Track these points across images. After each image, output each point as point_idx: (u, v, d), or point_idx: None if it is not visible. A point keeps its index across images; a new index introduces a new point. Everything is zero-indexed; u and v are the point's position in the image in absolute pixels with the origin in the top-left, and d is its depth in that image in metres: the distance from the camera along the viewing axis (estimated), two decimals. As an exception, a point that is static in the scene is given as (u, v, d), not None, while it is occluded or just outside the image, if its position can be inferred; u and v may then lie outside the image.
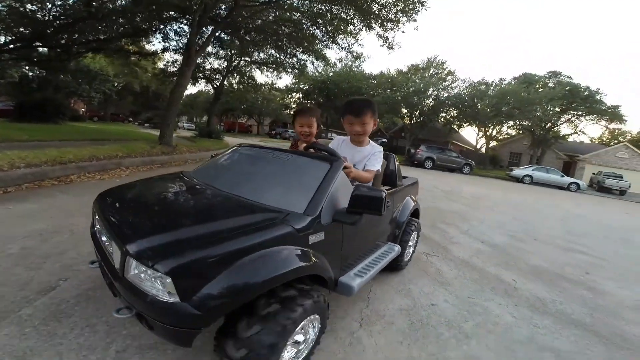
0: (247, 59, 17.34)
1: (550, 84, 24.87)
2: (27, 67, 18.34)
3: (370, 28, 10.40)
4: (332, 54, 35.77)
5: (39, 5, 9.58)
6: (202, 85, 22.90)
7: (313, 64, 15.58)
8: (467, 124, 24.86)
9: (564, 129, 26.80)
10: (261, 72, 18.82)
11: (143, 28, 11.73)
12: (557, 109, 23.39)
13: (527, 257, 3.74)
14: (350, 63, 23.04)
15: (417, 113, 24.31)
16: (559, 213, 8.08)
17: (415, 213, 2.89)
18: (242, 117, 44.10)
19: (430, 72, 26.15)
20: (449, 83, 25.37)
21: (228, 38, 14.20)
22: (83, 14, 9.44)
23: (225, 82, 19.37)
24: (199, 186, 1.78)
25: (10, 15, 9.30)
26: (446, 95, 24.04)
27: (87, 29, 10.91)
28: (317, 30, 11.72)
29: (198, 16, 8.79)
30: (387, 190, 2.28)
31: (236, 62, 18.15)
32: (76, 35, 11.50)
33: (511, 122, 24.34)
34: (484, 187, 11.93)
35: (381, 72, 26.71)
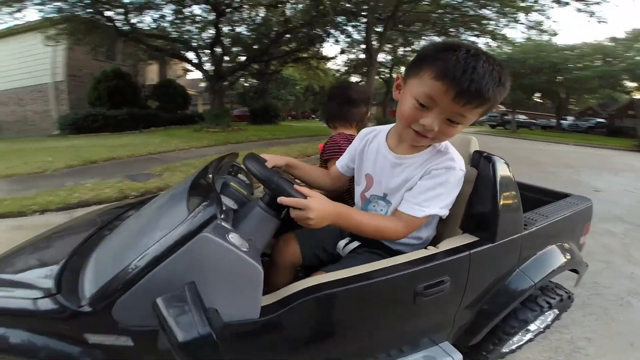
0: (409, 49, 17.69)
1: None
2: (243, 79, 24.20)
3: (563, 4, 9.09)
4: (516, 33, 30.16)
5: (252, 31, 13.25)
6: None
7: (488, 45, 14.29)
8: None
9: None
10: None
11: (319, 35, 13.77)
12: None
13: None
14: (537, 39, 19.68)
15: (652, 85, 18.25)
16: None
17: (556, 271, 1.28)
18: (401, 104, 44.81)
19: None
20: None
21: (389, 32, 14.93)
22: (279, 31, 12.15)
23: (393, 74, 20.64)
24: None
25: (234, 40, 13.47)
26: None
27: (278, 44, 13.90)
28: (486, 11, 10.74)
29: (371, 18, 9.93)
30: (469, 243, 1.00)
31: (399, 53, 19.02)
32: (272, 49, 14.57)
33: None
34: None
35: (584, 42, 21.36)
